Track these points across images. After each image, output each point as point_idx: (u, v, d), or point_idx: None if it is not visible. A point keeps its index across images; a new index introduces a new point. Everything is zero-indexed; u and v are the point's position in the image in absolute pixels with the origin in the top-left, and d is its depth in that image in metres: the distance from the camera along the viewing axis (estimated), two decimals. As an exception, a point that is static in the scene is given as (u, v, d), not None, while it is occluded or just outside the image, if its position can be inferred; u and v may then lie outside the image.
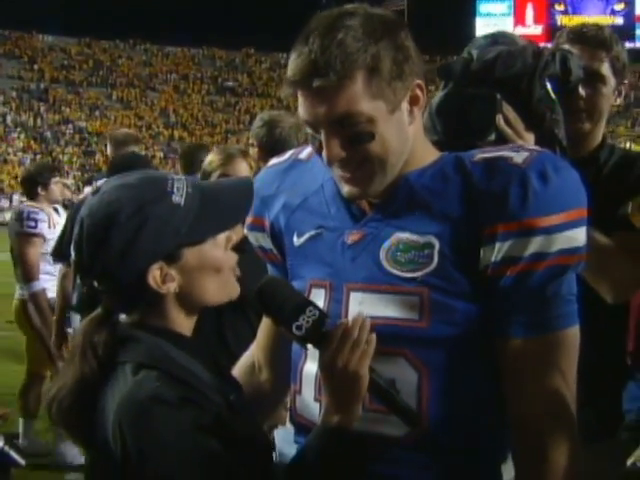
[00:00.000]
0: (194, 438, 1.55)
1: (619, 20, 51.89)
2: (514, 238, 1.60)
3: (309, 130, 1.69)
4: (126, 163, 4.70)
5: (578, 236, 1.62)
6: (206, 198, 1.73)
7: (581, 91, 2.42)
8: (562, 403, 1.67)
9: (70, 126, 58.94)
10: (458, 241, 1.65)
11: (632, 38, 50.44)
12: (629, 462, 2.32)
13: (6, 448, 3.10)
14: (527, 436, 1.67)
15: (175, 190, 1.70)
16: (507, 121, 2.03)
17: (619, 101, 2.62)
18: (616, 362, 2.65)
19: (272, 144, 4.00)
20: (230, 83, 59.30)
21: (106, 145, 5.77)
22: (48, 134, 57.56)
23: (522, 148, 1.71)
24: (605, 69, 2.52)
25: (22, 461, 3.15)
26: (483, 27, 51.23)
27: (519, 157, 1.65)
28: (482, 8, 54.86)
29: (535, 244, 1.60)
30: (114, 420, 1.57)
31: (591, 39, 2.53)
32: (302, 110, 1.67)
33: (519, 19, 54.11)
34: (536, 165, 1.63)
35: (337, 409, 1.62)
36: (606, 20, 52.03)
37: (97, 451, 1.66)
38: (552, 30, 49.58)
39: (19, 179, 9.35)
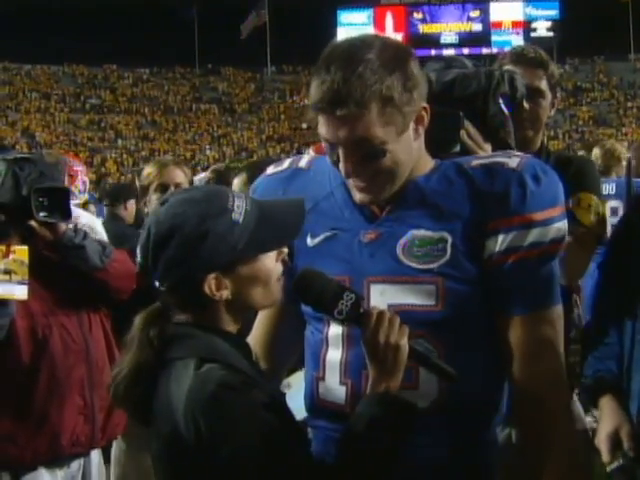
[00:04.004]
0: (261, 417, 1.72)
1: (477, 27, 53.37)
2: (516, 230, 1.89)
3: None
4: None
5: (564, 227, 1.94)
6: (263, 216, 1.91)
7: (525, 105, 2.74)
8: (557, 369, 1.97)
9: None
10: (467, 235, 1.91)
11: (488, 44, 52.01)
12: (590, 419, 2.58)
13: None
14: (528, 400, 1.95)
15: (235, 208, 1.87)
16: (469, 135, 2.31)
17: (553, 111, 2.98)
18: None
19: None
20: (93, 100, 58.15)
21: None
22: None
23: (512, 154, 2.00)
24: (543, 85, 2.93)
25: None
26: (345, 37, 51.43)
27: (513, 162, 1.94)
28: (343, 18, 55.55)
29: (533, 235, 1.89)
30: (185, 410, 1.72)
31: (531, 60, 2.92)
32: (324, 130, 1.90)
33: (379, 28, 54.85)
34: (529, 169, 1.92)
35: (384, 378, 1.83)
36: (464, 27, 53.53)
37: (163, 438, 1.82)
38: (412, 38, 50.49)
39: None
